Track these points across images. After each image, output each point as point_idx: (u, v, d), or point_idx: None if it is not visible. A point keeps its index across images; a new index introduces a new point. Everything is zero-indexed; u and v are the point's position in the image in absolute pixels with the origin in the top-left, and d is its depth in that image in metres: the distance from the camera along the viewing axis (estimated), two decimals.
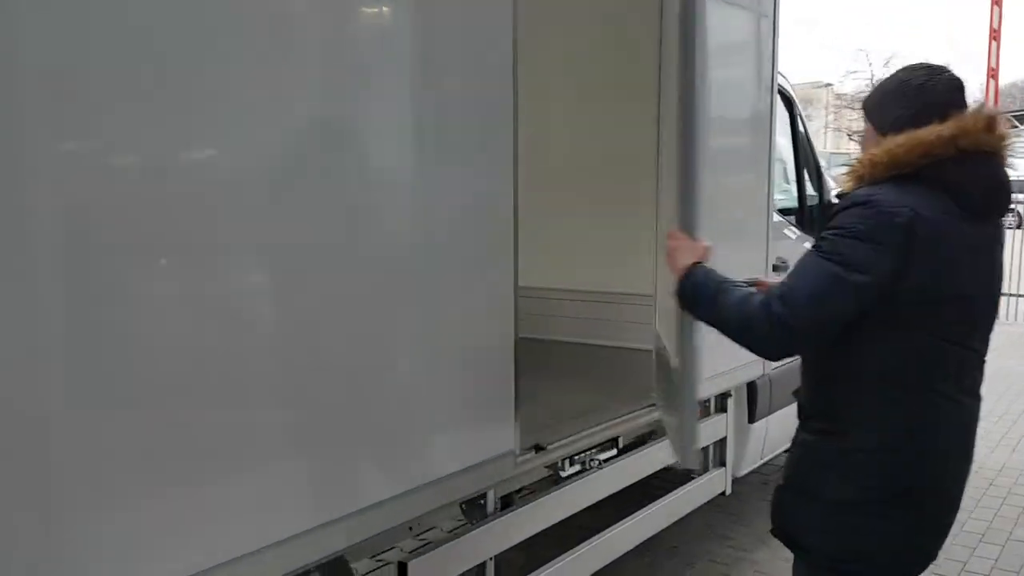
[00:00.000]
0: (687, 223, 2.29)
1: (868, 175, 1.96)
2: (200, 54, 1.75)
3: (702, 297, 2.06)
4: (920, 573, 2.12)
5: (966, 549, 4.04)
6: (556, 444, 2.89)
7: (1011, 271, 10.83)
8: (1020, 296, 10.78)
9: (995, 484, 5.07)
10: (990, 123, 1.91)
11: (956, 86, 2.00)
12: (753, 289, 2.04)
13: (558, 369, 4.16)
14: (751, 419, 4.21)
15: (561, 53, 4.44)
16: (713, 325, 2.06)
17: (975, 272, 1.98)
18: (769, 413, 4.34)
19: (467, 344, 2.47)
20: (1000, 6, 13.22)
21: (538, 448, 2.81)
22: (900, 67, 2.11)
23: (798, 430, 2.13)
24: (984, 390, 2.06)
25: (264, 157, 1.92)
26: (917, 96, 1.97)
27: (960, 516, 2.15)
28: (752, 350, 2.05)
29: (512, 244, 2.57)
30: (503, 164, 2.52)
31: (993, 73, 13.44)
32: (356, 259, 2.14)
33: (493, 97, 2.49)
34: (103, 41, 1.60)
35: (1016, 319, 10.57)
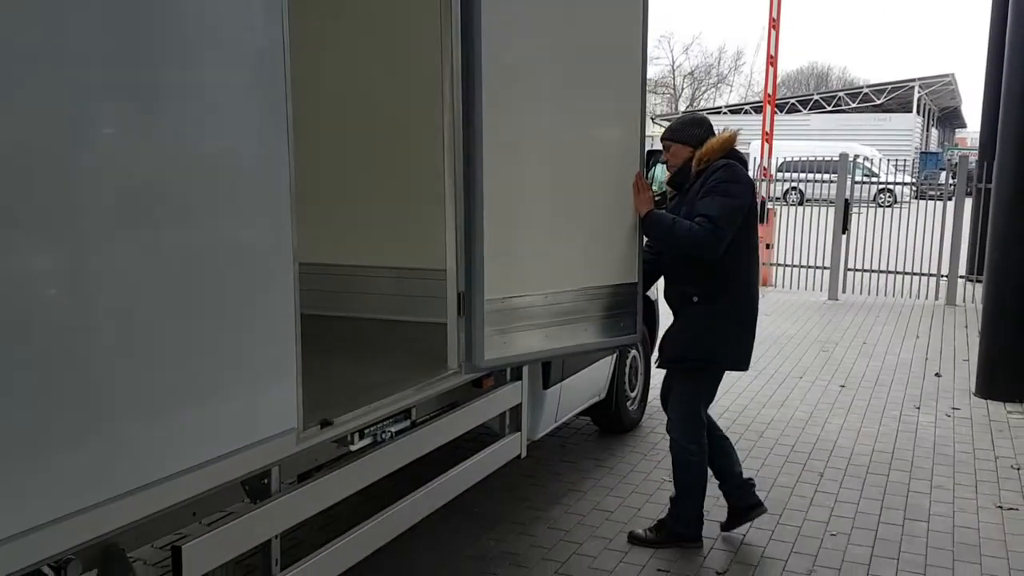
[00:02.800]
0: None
1: (707, 157, 3.79)
2: None
3: (662, 226, 3.75)
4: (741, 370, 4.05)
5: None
6: (344, 419, 2.90)
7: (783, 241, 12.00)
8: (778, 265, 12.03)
9: (764, 436, 5.61)
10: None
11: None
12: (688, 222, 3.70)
13: (354, 345, 4.16)
14: (545, 385, 4.41)
15: (346, 30, 4.41)
16: (667, 241, 3.82)
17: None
18: (563, 379, 4.57)
19: (242, 321, 2.43)
20: None
21: (325, 423, 2.82)
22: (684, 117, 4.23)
23: (681, 306, 3.90)
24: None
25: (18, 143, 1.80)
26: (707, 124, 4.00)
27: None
28: (697, 253, 3.70)
29: (289, 219, 2.54)
30: (276, 138, 2.48)
31: (772, 61, 14.58)
32: (118, 234, 2.06)
33: (263, 69, 2.45)
34: None
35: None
